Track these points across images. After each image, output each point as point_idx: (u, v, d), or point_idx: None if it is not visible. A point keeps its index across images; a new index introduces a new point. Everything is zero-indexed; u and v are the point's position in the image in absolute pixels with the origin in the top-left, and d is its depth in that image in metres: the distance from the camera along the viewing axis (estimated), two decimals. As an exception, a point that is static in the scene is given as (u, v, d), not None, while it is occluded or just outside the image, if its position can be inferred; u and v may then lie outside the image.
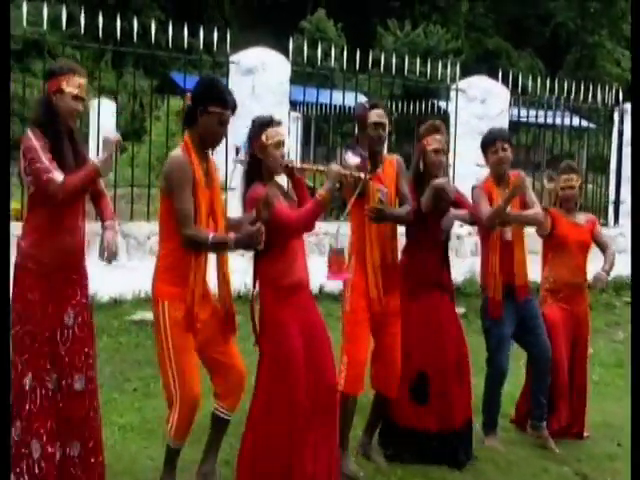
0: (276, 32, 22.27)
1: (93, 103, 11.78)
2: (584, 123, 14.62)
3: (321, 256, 10.19)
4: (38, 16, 10.07)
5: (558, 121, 13.81)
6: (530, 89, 13.06)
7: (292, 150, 15.75)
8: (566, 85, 13.15)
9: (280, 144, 4.68)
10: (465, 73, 13.63)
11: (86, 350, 4.43)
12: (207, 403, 4.80)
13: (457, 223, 6.10)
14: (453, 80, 12.68)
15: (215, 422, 4.73)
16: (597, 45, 41.77)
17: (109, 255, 4.47)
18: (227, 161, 9.36)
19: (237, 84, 9.92)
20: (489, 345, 6.05)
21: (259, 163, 4.65)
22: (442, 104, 15.02)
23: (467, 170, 11.20)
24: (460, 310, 9.86)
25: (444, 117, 13.47)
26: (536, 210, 5.88)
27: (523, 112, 13.37)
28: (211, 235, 4.33)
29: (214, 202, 4.51)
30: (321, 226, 10.63)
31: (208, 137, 4.46)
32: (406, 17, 38.22)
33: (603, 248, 6.65)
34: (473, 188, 5.97)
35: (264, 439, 4.65)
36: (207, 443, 4.78)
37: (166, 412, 4.59)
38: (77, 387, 4.37)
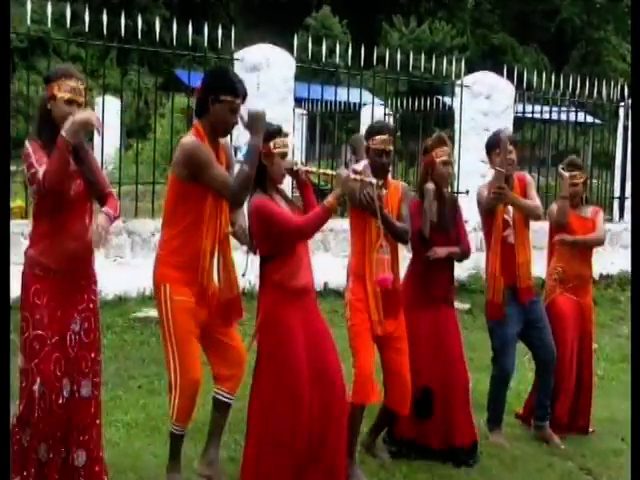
0: (281, 29, 22.24)
1: (98, 101, 11.80)
2: (589, 119, 14.60)
3: (326, 253, 10.22)
4: (42, 14, 10.08)
5: (563, 117, 13.79)
6: (535, 85, 13.04)
7: (297, 147, 15.74)
8: (571, 81, 13.12)
9: (285, 155, 4.72)
10: (470, 69, 13.63)
11: (92, 356, 4.40)
12: (206, 402, 4.82)
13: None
14: (458, 76, 12.66)
15: (217, 406, 4.72)
16: (603, 40, 41.70)
17: (97, 240, 4.22)
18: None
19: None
20: (494, 346, 6.05)
21: (263, 168, 4.64)
22: (447, 100, 15.00)
23: (472, 166, 11.20)
24: (465, 306, 9.88)
25: (449, 113, 13.47)
26: (537, 203, 5.91)
27: (528, 108, 13.32)
28: (244, 166, 4.35)
29: None
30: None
31: (220, 126, 4.49)
32: (411, 14, 38.23)
33: None
34: (478, 195, 6.00)
35: (267, 437, 4.64)
36: (210, 429, 4.77)
37: (169, 416, 4.61)
38: (84, 393, 4.34)
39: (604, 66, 39.60)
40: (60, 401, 4.21)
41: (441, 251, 5.57)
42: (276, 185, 4.74)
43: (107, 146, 10.15)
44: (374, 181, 4.91)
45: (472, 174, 11.11)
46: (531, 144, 15.22)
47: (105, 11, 9.46)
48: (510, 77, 12.54)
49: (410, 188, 5.69)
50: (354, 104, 16.08)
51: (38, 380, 4.16)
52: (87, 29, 9.51)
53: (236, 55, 10.47)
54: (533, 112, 13.37)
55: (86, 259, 4.39)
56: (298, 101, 14.36)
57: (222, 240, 4.58)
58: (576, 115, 13.95)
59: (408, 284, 5.66)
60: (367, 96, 13.84)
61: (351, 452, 5.14)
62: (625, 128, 14.37)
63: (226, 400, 4.71)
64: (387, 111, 15.35)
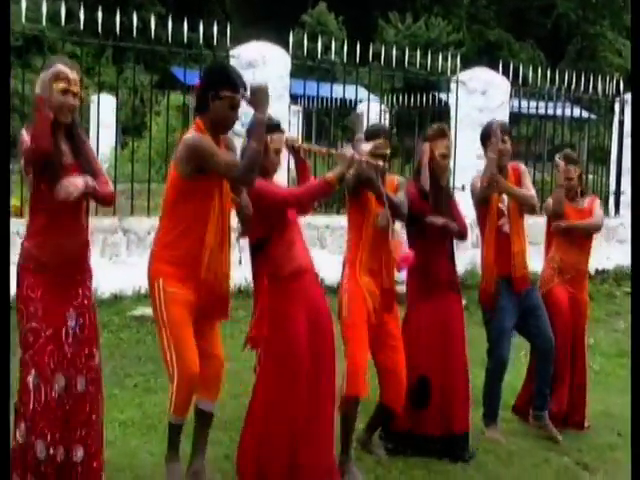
0: (278, 26, 22.23)
1: (93, 99, 11.78)
2: (585, 114, 14.60)
3: (322, 249, 10.22)
4: (37, 12, 10.06)
5: (559, 112, 13.80)
6: (531, 80, 13.04)
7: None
8: (567, 76, 13.13)
9: (279, 152, 4.73)
10: (466, 65, 13.62)
11: (87, 351, 4.37)
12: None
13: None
14: (454, 72, 12.66)
15: (198, 417, 4.70)
16: (598, 36, 41.69)
17: (58, 189, 4.12)
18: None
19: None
20: (490, 337, 6.06)
21: None
22: (443, 96, 15.00)
23: (468, 162, 11.20)
24: (461, 302, 9.87)
25: (445, 109, 13.47)
26: (531, 193, 5.93)
27: (524, 103, 13.35)
28: (252, 143, 4.34)
29: (224, 184, 4.51)
30: (323, 219, 10.66)
31: (220, 122, 4.47)
32: (407, 10, 38.19)
33: None
34: (472, 186, 6.01)
35: (265, 433, 4.66)
36: (194, 440, 4.73)
37: (166, 407, 4.60)
38: (79, 389, 4.33)
39: (600, 61, 39.60)
40: (54, 394, 4.20)
41: (438, 220, 5.55)
42: (267, 178, 4.73)
43: (103, 144, 10.13)
44: (380, 164, 4.94)
45: (468, 170, 11.08)
46: (527, 139, 15.23)
47: (100, 9, 9.44)
48: (506, 73, 12.55)
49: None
50: (350, 100, 16.09)
51: (33, 372, 4.17)
52: (82, 27, 9.50)
53: (232, 52, 10.49)
54: (529, 107, 13.39)
55: (81, 255, 4.38)
56: (294, 98, 14.38)
57: (225, 236, 4.58)
58: (571, 110, 13.95)
59: (410, 275, 5.66)
60: (363, 92, 13.86)
61: (347, 449, 5.15)
62: (620, 123, 14.38)
63: (207, 409, 4.69)
64: (383, 107, 15.33)
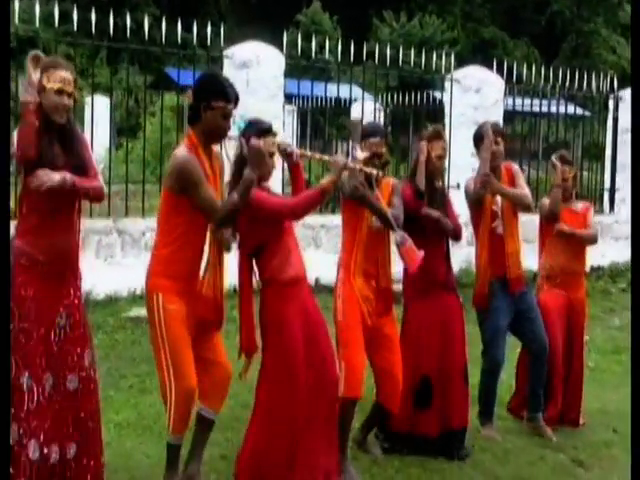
0: (273, 26, 22.22)
1: (88, 100, 11.77)
2: (579, 111, 14.61)
3: (317, 249, 10.22)
4: (31, 13, 10.06)
5: (554, 109, 13.81)
6: (525, 78, 13.05)
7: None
8: (561, 73, 13.14)
9: (273, 154, 4.72)
10: (461, 63, 13.63)
11: (79, 350, 4.38)
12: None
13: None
14: (448, 70, 12.66)
15: (200, 423, 4.69)
16: (593, 33, 41.69)
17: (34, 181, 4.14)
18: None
19: (231, 78, 9.69)
20: (484, 338, 6.07)
21: None
22: (437, 95, 15.00)
23: (463, 161, 11.19)
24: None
25: (439, 108, 13.47)
26: (525, 192, 5.93)
27: (518, 101, 13.34)
28: (234, 195, 4.34)
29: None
30: (318, 219, 10.65)
31: (213, 132, 4.47)
32: (402, 8, 38.16)
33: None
34: (467, 187, 6.01)
35: (266, 437, 4.67)
36: (192, 444, 4.71)
37: (162, 408, 4.60)
38: (70, 387, 4.33)
39: (594, 58, 39.60)
40: (46, 394, 4.22)
41: (433, 213, 5.56)
42: (262, 182, 4.74)
43: (97, 145, 10.12)
44: (374, 172, 4.94)
45: (463, 168, 11.09)
46: (521, 137, 15.24)
47: (94, 10, 9.43)
48: (500, 71, 12.56)
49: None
50: (344, 100, 16.09)
51: (26, 373, 4.16)
52: (76, 28, 9.49)
53: (226, 52, 10.48)
54: (523, 105, 13.39)
55: (72, 253, 4.39)
56: (288, 97, 14.37)
57: (220, 248, 4.59)
58: (566, 107, 13.96)
59: (406, 275, 5.68)
60: (357, 91, 13.85)
61: (343, 448, 5.15)
62: (615, 120, 14.39)
63: (209, 417, 4.69)
64: (377, 106, 15.35)
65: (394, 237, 5.15)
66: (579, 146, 15.08)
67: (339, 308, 5.22)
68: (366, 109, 12.45)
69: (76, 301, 4.41)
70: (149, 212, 9.02)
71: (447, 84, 12.40)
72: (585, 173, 13.76)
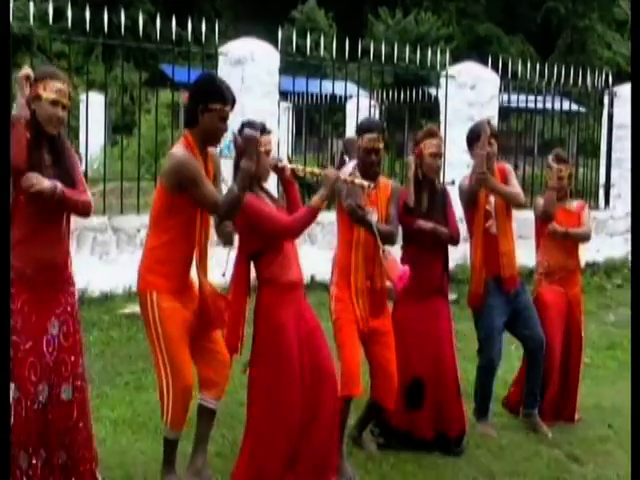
0: (268, 23, 22.19)
1: (83, 97, 11.76)
2: (574, 107, 14.61)
3: (312, 246, 10.22)
4: (25, 10, 10.04)
5: (549, 106, 13.80)
6: (520, 74, 13.06)
7: (283, 141, 15.71)
8: (556, 70, 13.14)
9: (269, 153, 4.73)
10: (456, 60, 13.63)
11: (73, 359, 4.34)
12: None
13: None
14: (443, 67, 12.67)
15: (202, 414, 4.70)
16: (588, 29, 41.67)
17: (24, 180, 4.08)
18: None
19: (226, 75, 9.87)
20: (480, 336, 6.07)
21: None
22: (433, 91, 15.00)
23: (458, 157, 11.18)
24: (452, 297, 9.85)
25: (435, 104, 13.47)
26: (518, 190, 5.94)
27: (514, 97, 13.35)
28: (234, 186, 4.35)
29: None
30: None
31: (210, 134, 4.47)
32: (397, 5, 38.17)
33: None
34: (461, 185, 6.01)
35: (263, 439, 4.67)
36: (196, 437, 4.73)
37: (157, 405, 4.60)
38: (64, 397, 4.29)
39: (589, 55, 39.60)
40: (35, 406, 4.18)
41: (426, 225, 5.56)
42: (260, 182, 4.75)
43: (92, 143, 10.13)
44: (365, 184, 4.92)
45: (458, 164, 11.10)
46: (517, 134, 15.24)
47: (88, 7, 9.41)
48: (495, 67, 12.56)
49: (397, 181, 5.69)
50: (340, 96, 16.08)
51: (13, 385, 4.12)
52: (71, 25, 9.48)
53: (220, 49, 10.47)
54: (518, 102, 13.40)
55: (61, 264, 4.34)
56: (284, 94, 14.37)
57: (205, 249, 4.59)
58: (561, 104, 13.96)
59: None
60: (352, 88, 13.85)
61: (338, 445, 5.16)
62: (610, 116, 14.40)
63: (212, 407, 4.69)
64: (373, 103, 15.35)
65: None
66: (574, 142, 15.07)
67: (333, 308, 5.25)
68: (361, 106, 12.45)
69: (69, 308, 4.36)
70: (144, 209, 9.01)
71: (442, 80, 12.40)
72: (581, 169, 13.76)
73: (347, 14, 36.27)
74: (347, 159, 5.38)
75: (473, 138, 5.95)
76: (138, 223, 9.26)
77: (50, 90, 4.15)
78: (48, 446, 4.25)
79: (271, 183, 5.13)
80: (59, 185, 4.11)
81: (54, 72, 4.29)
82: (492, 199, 5.93)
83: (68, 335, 4.33)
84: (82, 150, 10.92)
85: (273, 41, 10.83)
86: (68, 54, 10.11)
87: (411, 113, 16.14)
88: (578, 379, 6.56)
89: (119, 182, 9.82)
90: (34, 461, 4.20)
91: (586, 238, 6.60)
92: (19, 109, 4.11)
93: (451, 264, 10.11)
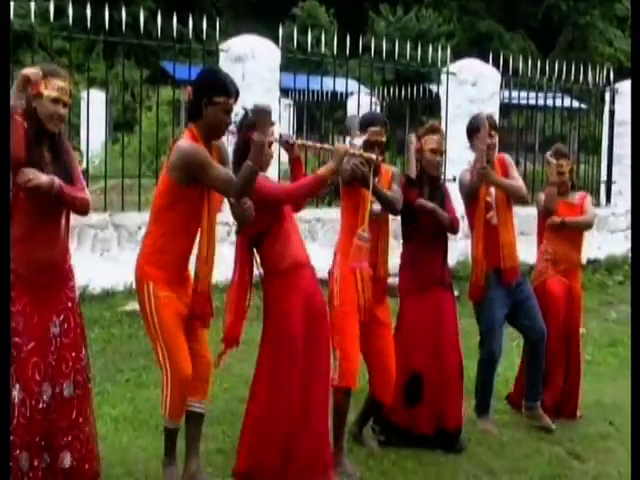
0: (269, 20, 22.18)
1: (84, 95, 11.75)
2: (576, 104, 14.60)
3: (313, 243, 10.21)
4: (26, 8, 10.04)
5: (550, 102, 13.80)
6: (521, 71, 13.04)
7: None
8: (557, 66, 13.12)
9: (271, 144, 4.72)
10: (458, 56, 13.60)
11: (73, 355, 4.33)
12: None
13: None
14: (444, 64, 12.65)
15: (190, 418, 4.65)
16: (589, 25, 41.61)
17: (20, 176, 4.06)
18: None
19: (227, 72, 9.88)
20: (481, 329, 6.07)
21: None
22: (434, 88, 14.99)
23: (459, 154, 11.19)
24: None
25: (436, 101, 13.46)
26: (520, 183, 5.94)
27: (515, 94, 13.34)
28: (247, 162, 4.31)
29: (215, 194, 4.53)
30: (314, 212, 10.65)
31: (215, 127, 4.45)
32: (398, 2, 38.11)
33: None
34: (461, 179, 6.01)
35: (264, 429, 4.68)
36: (187, 442, 4.67)
37: (158, 402, 4.60)
38: (65, 394, 4.29)
39: (590, 51, 39.55)
40: (40, 406, 4.17)
41: (428, 204, 5.55)
42: (260, 171, 4.74)
43: (93, 140, 10.11)
44: (374, 157, 4.96)
45: (459, 161, 11.07)
46: (518, 130, 15.23)
47: (89, 4, 9.41)
48: (496, 64, 12.55)
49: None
50: (341, 93, 16.06)
51: (17, 386, 4.11)
52: (71, 22, 9.48)
53: (221, 46, 10.46)
54: (519, 98, 13.38)
55: (60, 263, 4.34)
56: (285, 91, 14.35)
57: (213, 241, 4.58)
58: (562, 100, 13.95)
59: (402, 269, 5.70)
60: (354, 85, 13.83)
61: (339, 441, 5.16)
62: (611, 112, 14.38)
63: (200, 411, 4.66)
64: (374, 100, 15.34)
65: (374, 207, 5.15)
66: (575, 139, 15.06)
67: (336, 291, 5.21)
68: (362, 102, 12.44)
69: (69, 304, 4.36)
70: (145, 206, 9.01)
71: (443, 77, 12.38)
72: (582, 166, 13.75)
73: (348, 11, 36.21)
74: (349, 138, 5.38)
75: (473, 130, 5.94)
76: (139, 220, 9.24)
77: (51, 88, 4.15)
78: (52, 448, 4.24)
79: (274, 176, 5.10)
80: (57, 180, 4.11)
81: (56, 70, 4.28)
82: (492, 190, 5.92)
83: (69, 331, 4.33)
84: (83, 147, 10.91)
85: (274, 38, 10.82)
86: (69, 51, 10.08)
87: (412, 110, 16.11)
88: (579, 376, 6.56)
89: (120, 179, 9.82)
90: (36, 463, 4.18)
91: (587, 226, 6.61)
92: (13, 99, 4.08)
93: (452, 261, 10.13)
